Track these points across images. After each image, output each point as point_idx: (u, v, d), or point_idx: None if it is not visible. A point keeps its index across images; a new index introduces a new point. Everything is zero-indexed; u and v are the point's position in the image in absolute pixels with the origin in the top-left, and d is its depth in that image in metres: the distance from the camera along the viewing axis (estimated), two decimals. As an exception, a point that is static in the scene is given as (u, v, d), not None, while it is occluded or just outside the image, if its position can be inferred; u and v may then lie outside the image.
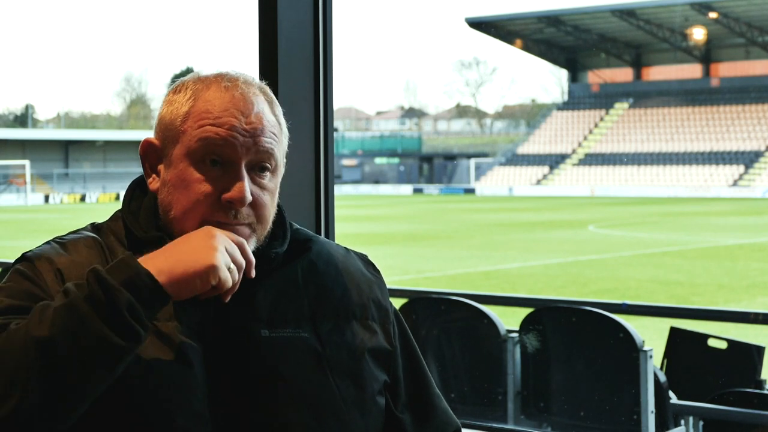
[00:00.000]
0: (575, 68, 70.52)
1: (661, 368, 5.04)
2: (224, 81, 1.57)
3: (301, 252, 1.66)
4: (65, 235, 1.63)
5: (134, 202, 1.63)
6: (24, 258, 1.58)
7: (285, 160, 1.63)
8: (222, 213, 1.52)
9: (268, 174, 1.57)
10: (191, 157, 1.53)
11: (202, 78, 1.59)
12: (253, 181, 1.54)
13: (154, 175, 1.60)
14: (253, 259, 1.51)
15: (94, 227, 1.65)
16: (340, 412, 1.58)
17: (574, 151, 65.72)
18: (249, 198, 1.52)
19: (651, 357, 4.30)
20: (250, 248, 1.53)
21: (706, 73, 65.30)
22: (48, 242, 1.61)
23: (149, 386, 1.48)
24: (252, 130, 1.54)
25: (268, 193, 1.57)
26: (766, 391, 4.72)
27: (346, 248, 1.74)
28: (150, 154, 1.61)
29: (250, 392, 1.53)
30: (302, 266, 1.64)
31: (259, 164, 1.55)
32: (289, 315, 1.59)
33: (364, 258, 1.75)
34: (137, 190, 1.64)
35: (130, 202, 1.63)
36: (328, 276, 1.65)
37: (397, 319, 1.72)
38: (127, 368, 1.45)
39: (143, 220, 1.59)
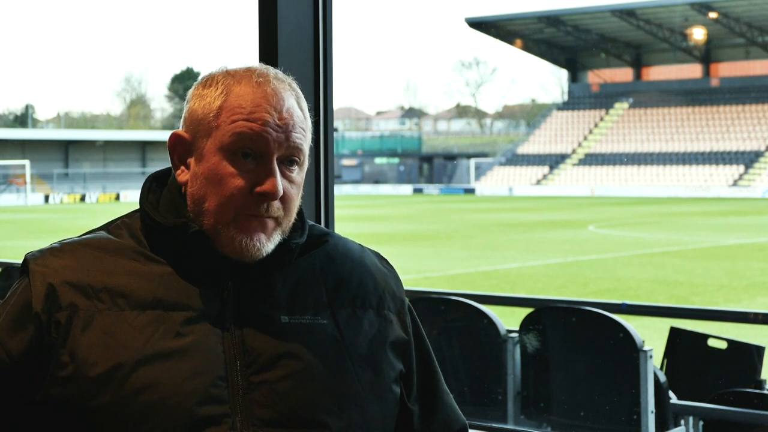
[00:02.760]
0: (575, 68, 70.54)
1: (661, 368, 5.04)
2: (255, 76, 1.59)
3: (318, 245, 1.69)
4: (73, 238, 1.66)
5: (152, 195, 1.66)
6: (23, 272, 1.61)
7: (312, 146, 1.66)
8: (254, 206, 1.56)
9: (296, 167, 1.60)
10: (224, 151, 1.56)
11: (232, 72, 1.61)
12: (283, 174, 1.57)
13: (182, 167, 1.62)
14: None
15: (105, 227, 1.68)
16: (360, 398, 1.60)
17: (574, 151, 65.74)
18: (281, 192, 1.55)
19: (651, 357, 4.30)
20: (274, 242, 1.57)
21: (706, 73, 65.32)
22: (52, 246, 1.64)
23: (169, 374, 1.51)
24: (284, 126, 1.57)
25: (296, 186, 1.60)
26: (766, 391, 4.73)
27: (360, 245, 1.77)
28: (178, 147, 1.63)
29: (270, 378, 1.55)
30: (319, 257, 1.67)
31: (289, 158, 1.59)
32: (308, 302, 1.62)
33: (378, 255, 1.78)
34: (154, 184, 1.67)
35: (148, 195, 1.66)
36: (344, 267, 1.68)
37: (410, 312, 1.75)
38: (147, 357, 1.50)
39: (163, 209, 1.62)
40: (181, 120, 1.64)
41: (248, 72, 1.60)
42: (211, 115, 1.58)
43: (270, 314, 1.58)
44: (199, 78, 1.64)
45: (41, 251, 1.62)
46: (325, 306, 1.63)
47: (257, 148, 1.55)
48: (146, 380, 1.50)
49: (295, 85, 1.64)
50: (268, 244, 1.57)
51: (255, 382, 1.54)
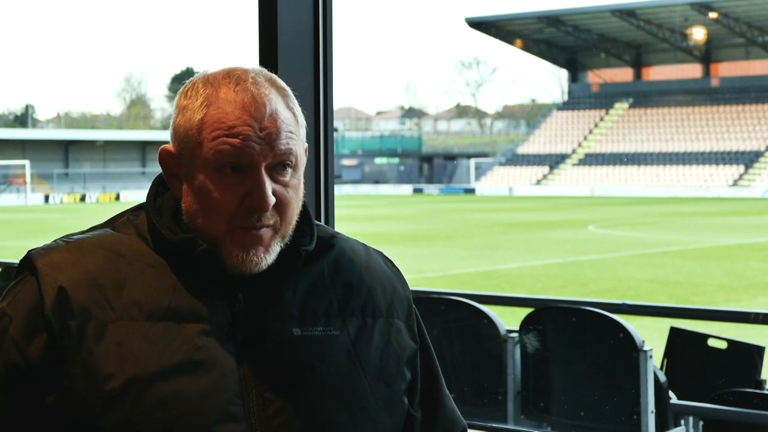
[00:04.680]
0: (575, 68, 70.53)
1: (661, 368, 5.04)
2: (233, 83, 1.54)
3: (326, 249, 1.64)
4: (78, 235, 1.60)
5: (159, 199, 1.61)
6: (28, 269, 1.54)
7: (307, 145, 1.61)
8: (246, 217, 1.51)
9: (289, 171, 1.54)
10: (209, 168, 1.52)
11: (211, 79, 1.56)
12: (275, 180, 1.53)
13: (175, 183, 1.58)
14: None
15: (110, 223, 1.62)
16: (373, 411, 1.57)
17: (574, 151, 65.73)
18: (271, 203, 1.51)
19: (651, 357, 4.30)
20: (274, 252, 1.53)
21: (706, 73, 65.31)
22: (58, 244, 1.57)
23: (187, 390, 1.47)
24: (266, 137, 1.51)
25: (292, 189, 1.55)
26: (766, 391, 4.73)
27: (364, 245, 1.73)
28: (168, 162, 1.58)
29: (285, 392, 1.52)
30: (327, 264, 1.63)
31: (280, 164, 1.53)
32: (319, 312, 1.58)
33: (382, 255, 1.74)
34: (161, 188, 1.62)
35: (156, 199, 1.61)
36: (353, 274, 1.64)
37: (416, 316, 1.72)
38: (163, 372, 1.45)
39: (168, 219, 1.57)
40: (169, 133, 1.60)
41: (227, 79, 1.54)
42: (193, 130, 1.53)
43: (282, 326, 1.54)
44: (182, 86, 1.59)
45: (46, 248, 1.55)
46: (336, 315, 1.59)
47: (241, 162, 1.50)
48: (163, 396, 1.45)
49: (277, 80, 1.58)
50: (267, 255, 1.52)
51: (269, 399, 1.51)
